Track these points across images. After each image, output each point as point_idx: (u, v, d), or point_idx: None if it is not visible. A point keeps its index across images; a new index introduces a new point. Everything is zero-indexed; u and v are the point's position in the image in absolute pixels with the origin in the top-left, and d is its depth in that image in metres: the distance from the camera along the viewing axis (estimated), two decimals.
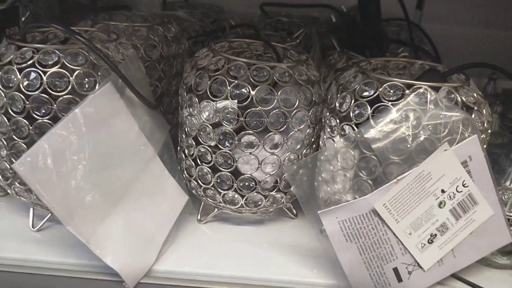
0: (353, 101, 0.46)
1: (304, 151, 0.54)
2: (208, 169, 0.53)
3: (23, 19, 0.62)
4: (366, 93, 0.45)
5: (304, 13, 0.86)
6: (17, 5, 0.56)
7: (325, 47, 0.78)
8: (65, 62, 0.47)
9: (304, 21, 0.80)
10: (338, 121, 0.47)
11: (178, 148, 0.58)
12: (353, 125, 0.45)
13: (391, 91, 0.45)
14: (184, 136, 0.55)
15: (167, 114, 0.65)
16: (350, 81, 0.48)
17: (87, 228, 0.45)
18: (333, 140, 0.48)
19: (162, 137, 0.56)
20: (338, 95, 0.48)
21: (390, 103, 0.44)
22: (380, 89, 0.45)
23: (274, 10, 0.86)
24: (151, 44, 0.62)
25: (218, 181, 0.53)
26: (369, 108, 0.44)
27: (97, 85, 0.48)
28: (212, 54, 0.53)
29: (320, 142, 0.52)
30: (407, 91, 0.44)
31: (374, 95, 0.45)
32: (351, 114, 0.45)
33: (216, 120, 0.51)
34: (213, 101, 0.50)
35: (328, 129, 0.49)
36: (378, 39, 0.66)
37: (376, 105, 0.44)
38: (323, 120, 0.52)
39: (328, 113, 0.50)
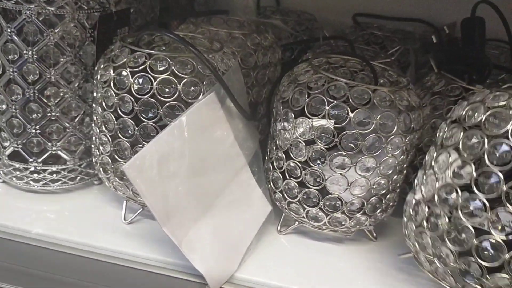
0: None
1: (395, 176, 0.53)
2: (296, 184, 0.54)
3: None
4: None
5: (397, 26, 0.84)
6: (129, 7, 0.59)
7: (417, 64, 0.76)
8: (174, 70, 0.49)
9: (398, 36, 0.78)
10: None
11: (266, 158, 0.59)
12: None
13: None
14: (274, 148, 0.56)
15: (254, 121, 0.66)
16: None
17: (180, 230, 0.48)
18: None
19: (254, 147, 0.57)
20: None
21: None
22: None
23: (366, 21, 0.84)
24: (248, 52, 0.63)
25: (305, 197, 0.54)
26: None
27: (201, 93, 0.50)
28: (312, 71, 0.53)
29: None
30: None
31: None
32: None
33: (310, 138, 0.51)
34: (310, 118, 0.51)
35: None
36: (479, 64, 0.63)
37: None
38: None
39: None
